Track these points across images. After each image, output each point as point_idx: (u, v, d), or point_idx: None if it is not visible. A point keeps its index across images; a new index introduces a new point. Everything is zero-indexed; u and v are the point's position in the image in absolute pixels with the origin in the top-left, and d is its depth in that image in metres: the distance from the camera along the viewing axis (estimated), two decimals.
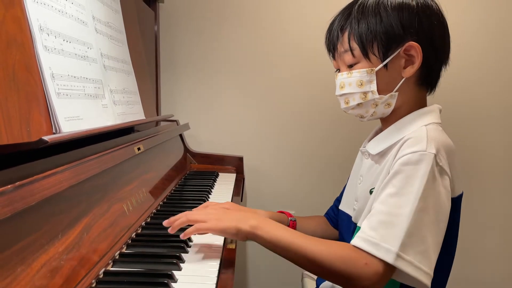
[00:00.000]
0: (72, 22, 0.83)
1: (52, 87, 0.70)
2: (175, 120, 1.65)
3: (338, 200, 1.03)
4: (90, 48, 0.89)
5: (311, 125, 1.77)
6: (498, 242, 1.80)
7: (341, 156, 1.76)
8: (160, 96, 1.66)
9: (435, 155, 0.71)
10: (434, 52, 0.80)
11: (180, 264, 0.73)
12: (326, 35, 0.87)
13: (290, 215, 1.03)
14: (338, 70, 0.87)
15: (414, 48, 0.77)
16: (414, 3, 0.79)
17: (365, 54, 0.80)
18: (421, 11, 0.78)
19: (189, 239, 0.84)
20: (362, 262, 0.69)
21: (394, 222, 0.69)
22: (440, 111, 0.84)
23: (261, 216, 0.79)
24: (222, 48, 1.75)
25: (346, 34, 0.82)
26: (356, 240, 0.72)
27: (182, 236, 0.77)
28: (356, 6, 0.82)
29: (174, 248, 0.79)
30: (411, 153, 0.72)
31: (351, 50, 0.81)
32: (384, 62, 0.79)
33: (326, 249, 0.71)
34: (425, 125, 0.77)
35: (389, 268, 0.69)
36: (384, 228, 0.69)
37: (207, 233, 0.78)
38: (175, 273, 0.69)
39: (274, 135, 1.79)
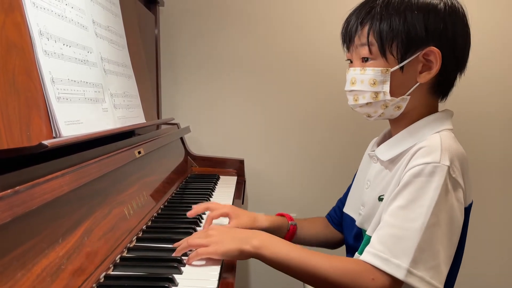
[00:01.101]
0: (72, 26, 0.83)
1: (52, 92, 0.70)
2: (175, 123, 1.65)
3: (342, 202, 1.02)
4: (90, 52, 0.89)
5: (313, 127, 1.77)
6: (498, 246, 1.79)
7: (343, 159, 1.76)
8: (160, 99, 1.67)
9: (449, 167, 0.69)
10: (454, 61, 0.77)
11: (181, 267, 0.72)
12: (344, 25, 0.83)
13: (291, 219, 1.01)
14: (350, 61, 0.83)
15: (434, 53, 0.74)
16: (442, 5, 0.76)
17: (383, 53, 0.76)
18: (448, 15, 0.75)
19: None
20: (369, 277, 0.68)
21: (405, 236, 0.67)
22: (452, 116, 0.82)
23: (263, 234, 0.76)
24: (222, 51, 1.75)
25: (366, 29, 0.77)
26: (365, 255, 0.70)
27: (187, 261, 0.74)
28: (381, 1, 0.77)
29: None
30: (423, 164, 0.70)
31: (369, 45, 0.77)
32: (401, 64, 0.76)
33: (332, 265, 0.70)
34: (438, 132, 0.75)
35: (397, 283, 0.68)
36: (394, 243, 0.68)
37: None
38: (176, 276, 0.68)
39: (275, 137, 1.79)
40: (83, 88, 0.82)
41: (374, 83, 0.77)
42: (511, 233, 1.78)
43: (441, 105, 0.84)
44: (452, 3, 0.77)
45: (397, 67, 0.76)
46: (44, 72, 0.69)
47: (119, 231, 0.80)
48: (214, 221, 0.91)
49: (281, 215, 1.02)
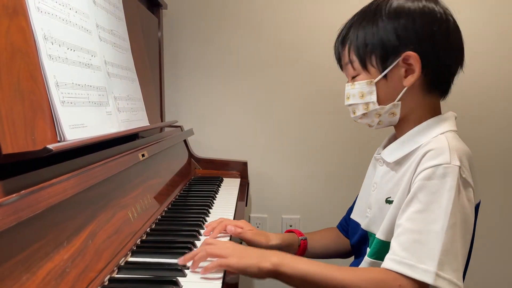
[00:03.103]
0: (76, 30, 0.83)
1: (56, 96, 0.70)
2: (179, 126, 1.65)
3: (351, 210, 1.01)
4: (94, 56, 0.90)
5: (317, 129, 1.77)
6: (499, 246, 1.78)
7: (347, 161, 1.76)
8: (164, 102, 1.67)
9: (460, 167, 0.69)
10: (437, 58, 0.77)
11: (185, 270, 0.73)
12: (334, 46, 0.87)
13: (300, 234, 1.00)
14: None
15: (412, 57, 0.75)
16: (413, 8, 0.76)
17: (364, 67, 0.80)
18: (419, 17, 0.76)
19: (194, 245, 0.84)
20: (395, 284, 0.67)
21: (427, 240, 0.67)
22: (455, 118, 0.82)
23: (280, 252, 0.76)
24: (225, 53, 1.76)
25: (346, 47, 0.82)
26: (388, 263, 0.69)
27: (203, 272, 0.73)
28: (357, 16, 0.81)
29: (179, 254, 0.79)
30: (434, 166, 0.70)
31: (351, 62, 0.82)
32: (383, 74, 0.78)
33: (355, 276, 0.70)
34: (442, 133, 0.76)
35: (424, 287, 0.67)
36: (417, 248, 0.67)
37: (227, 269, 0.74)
38: (180, 279, 0.69)
39: (278, 139, 1.79)
40: (87, 91, 0.83)
41: (362, 96, 0.81)
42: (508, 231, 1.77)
43: (444, 105, 0.84)
44: (424, 4, 0.78)
45: (379, 77, 0.79)
46: (49, 76, 0.69)
47: (123, 234, 0.80)
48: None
49: (290, 231, 1.02)
